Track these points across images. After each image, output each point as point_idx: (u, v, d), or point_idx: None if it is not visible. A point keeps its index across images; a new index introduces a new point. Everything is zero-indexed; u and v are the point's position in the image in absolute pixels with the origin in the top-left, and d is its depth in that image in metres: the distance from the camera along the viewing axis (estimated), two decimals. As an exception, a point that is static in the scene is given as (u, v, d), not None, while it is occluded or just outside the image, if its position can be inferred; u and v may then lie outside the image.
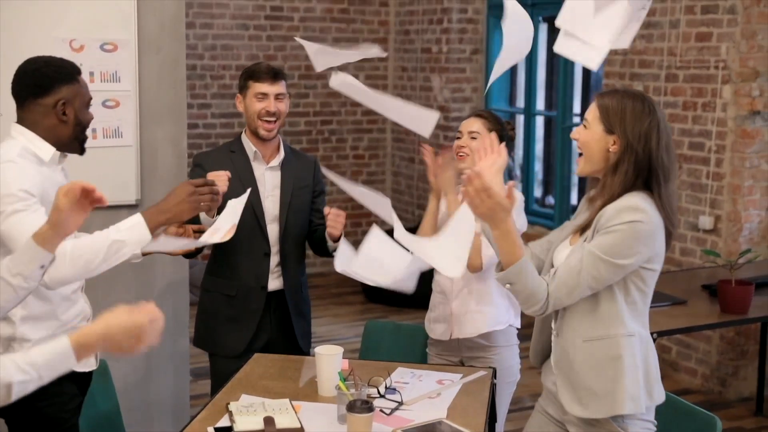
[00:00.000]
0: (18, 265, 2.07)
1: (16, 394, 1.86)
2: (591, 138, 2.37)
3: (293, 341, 3.34)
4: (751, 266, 4.42)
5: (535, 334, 2.58)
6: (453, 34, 7.09)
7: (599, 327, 2.35)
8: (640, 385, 2.32)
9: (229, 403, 2.60)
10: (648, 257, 2.31)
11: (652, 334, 3.59)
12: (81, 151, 2.70)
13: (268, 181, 3.29)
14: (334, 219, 3.10)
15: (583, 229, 2.41)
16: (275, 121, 3.24)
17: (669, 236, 2.36)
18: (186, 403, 4.09)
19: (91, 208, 2.09)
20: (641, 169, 2.32)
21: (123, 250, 2.45)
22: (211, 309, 3.34)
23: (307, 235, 3.39)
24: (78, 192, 2.04)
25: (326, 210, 3.13)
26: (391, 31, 7.78)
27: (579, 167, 2.44)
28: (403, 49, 7.67)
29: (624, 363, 2.32)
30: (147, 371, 3.98)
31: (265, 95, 3.22)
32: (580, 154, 2.43)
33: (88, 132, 3.62)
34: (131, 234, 2.47)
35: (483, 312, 3.09)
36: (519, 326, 3.21)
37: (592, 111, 2.38)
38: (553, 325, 2.49)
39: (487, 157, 2.42)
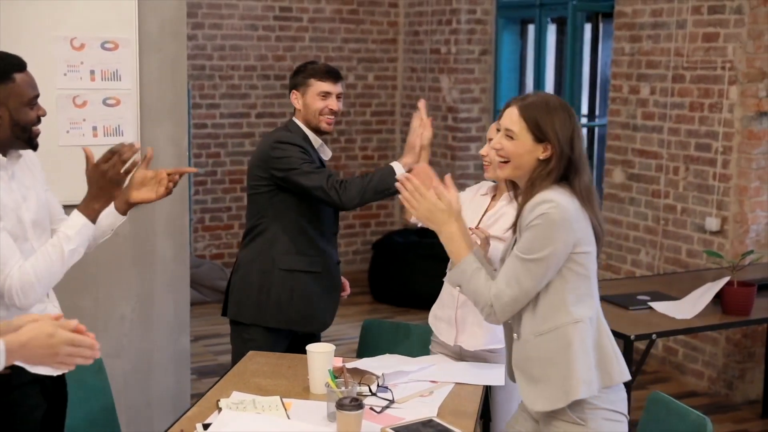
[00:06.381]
0: None
1: None
2: (522, 149, 2.38)
3: None
4: (757, 268, 4.38)
5: (506, 348, 2.58)
6: (462, 35, 7.08)
7: (547, 320, 2.36)
8: (591, 368, 2.33)
9: (219, 400, 2.60)
10: (572, 242, 2.33)
11: (651, 334, 3.61)
12: (32, 148, 2.51)
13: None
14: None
15: (514, 227, 2.44)
16: (334, 117, 3.53)
17: (596, 225, 2.38)
18: (187, 402, 4.09)
19: None
20: (565, 168, 2.37)
21: (77, 254, 2.52)
22: (300, 288, 3.47)
23: None
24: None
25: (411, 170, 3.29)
26: (400, 31, 7.78)
27: (500, 172, 2.44)
28: (412, 50, 7.67)
29: (574, 349, 2.33)
30: (148, 369, 3.99)
31: (328, 94, 3.46)
32: (506, 161, 2.41)
33: (88, 129, 3.69)
34: (81, 238, 2.51)
35: (484, 327, 3.02)
36: None
37: (517, 123, 2.38)
38: (513, 329, 2.49)
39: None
